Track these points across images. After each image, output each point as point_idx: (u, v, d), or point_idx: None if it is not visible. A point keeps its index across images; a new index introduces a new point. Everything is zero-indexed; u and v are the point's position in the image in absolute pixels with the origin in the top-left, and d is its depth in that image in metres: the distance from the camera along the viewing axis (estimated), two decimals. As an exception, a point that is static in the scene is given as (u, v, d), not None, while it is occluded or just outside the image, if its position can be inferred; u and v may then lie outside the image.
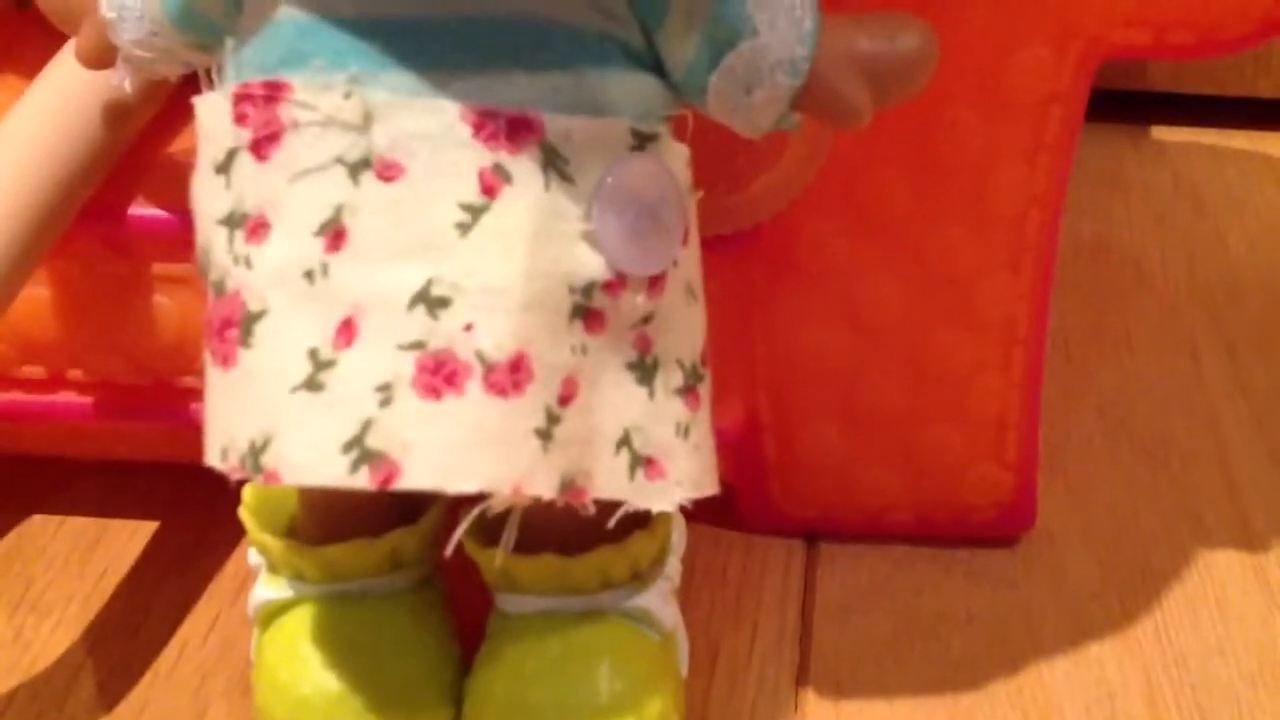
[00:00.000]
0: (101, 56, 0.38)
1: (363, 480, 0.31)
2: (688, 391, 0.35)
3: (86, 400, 0.46)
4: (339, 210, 0.32)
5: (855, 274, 0.44)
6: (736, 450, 0.47)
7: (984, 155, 0.42)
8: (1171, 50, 0.40)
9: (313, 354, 0.31)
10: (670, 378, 0.35)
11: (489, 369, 0.31)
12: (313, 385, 0.31)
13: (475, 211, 0.32)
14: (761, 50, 0.33)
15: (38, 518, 0.51)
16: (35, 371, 0.46)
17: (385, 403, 0.31)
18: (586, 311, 0.33)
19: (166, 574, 0.48)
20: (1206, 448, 0.55)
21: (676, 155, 0.35)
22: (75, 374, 0.46)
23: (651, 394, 0.34)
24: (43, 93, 0.44)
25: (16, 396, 0.47)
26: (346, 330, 0.31)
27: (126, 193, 0.44)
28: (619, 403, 0.34)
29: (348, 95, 0.32)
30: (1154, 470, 0.53)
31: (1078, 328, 0.61)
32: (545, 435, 0.32)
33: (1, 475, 0.52)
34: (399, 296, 0.31)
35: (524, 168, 0.32)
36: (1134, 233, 0.69)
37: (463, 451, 0.31)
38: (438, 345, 0.31)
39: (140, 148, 0.45)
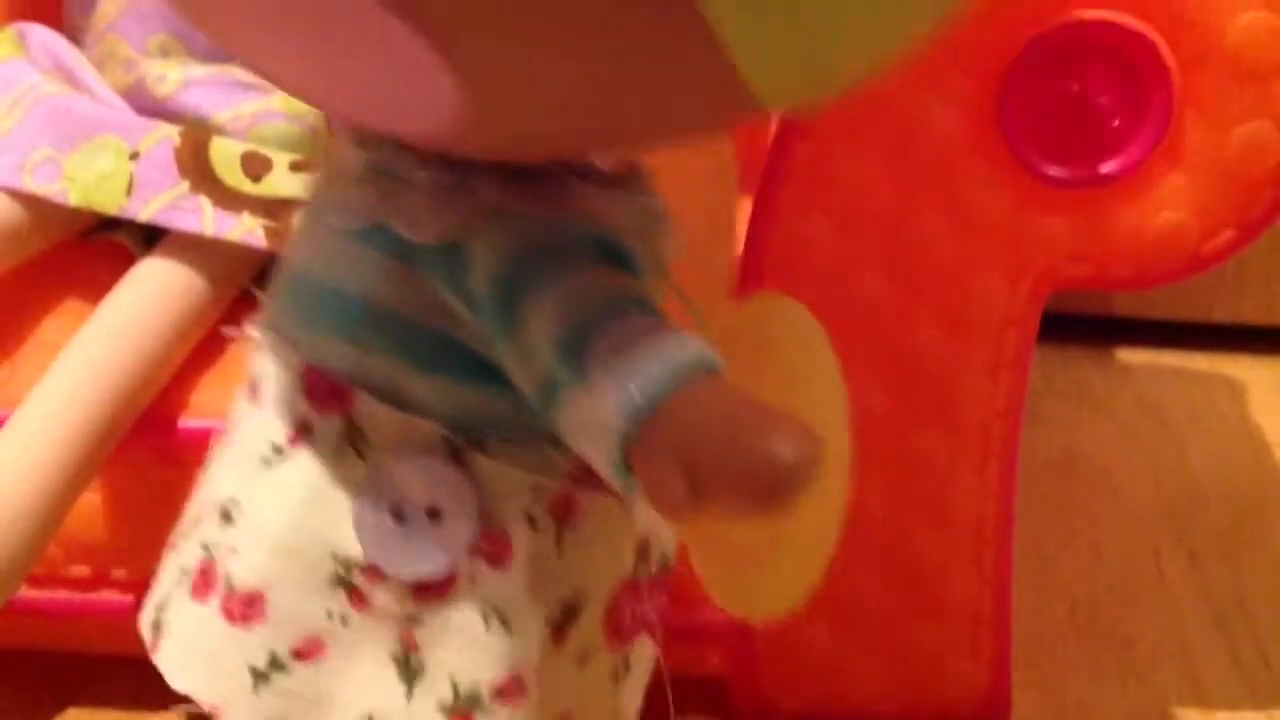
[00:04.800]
0: None
1: (149, 641, 0.36)
2: (454, 714, 0.34)
3: (128, 598, 0.49)
4: None
5: (836, 478, 0.48)
6: (729, 644, 0.50)
7: (951, 369, 0.46)
8: (1111, 283, 0.45)
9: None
10: (436, 690, 0.34)
11: (229, 592, 0.35)
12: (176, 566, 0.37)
13: (279, 453, 0.34)
14: (585, 405, 0.29)
15: (73, 710, 0.53)
16: (81, 571, 0.49)
17: (177, 585, 0.36)
18: (350, 585, 0.34)
19: (193, 764, 0.50)
20: (1171, 647, 0.58)
21: (506, 480, 0.33)
22: (119, 573, 0.49)
23: (410, 695, 0.34)
24: (104, 318, 0.48)
25: (62, 594, 0.50)
26: (195, 523, 0.37)
27: (176, 406, 0.48)
28: (371, 686, 0.34)
29: None
30: (1121, 668, 0.56)
31: (1049, 534, 0.65)
32: (260, 676, 0.34)
33: (40, 670, 0.54)
34: (219, 501, 0.36)
35: (325, 430, 0.34)
36: (1101, 447, 0.73)
37: (187, 653, 0.35)
38: (213, 554, 0.35)
39: (189, 365, 0.49)
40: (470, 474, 0.33)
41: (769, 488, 0.26)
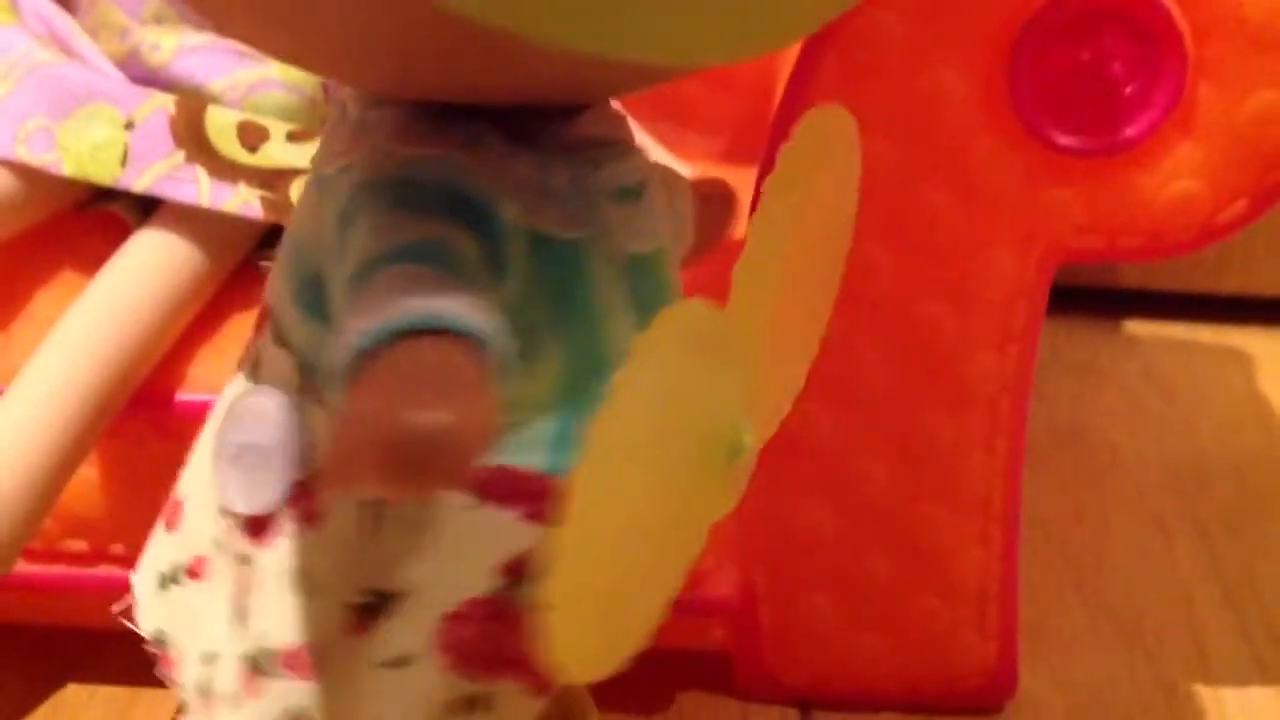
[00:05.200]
0: None
1: None
2: (250, 669, 0.33)
3: (126, 573, 0.48)
4: None
5: (843, 451, 0.48)
6: (733, 619, 0.50)
7: (958, 344, 0.46)
8: (1122, 254, 0.44)
9: None
10: (249, 638, 0.33)
11: (169, 498, 0.37)
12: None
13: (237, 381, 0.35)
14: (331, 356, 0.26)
15: (72, 686, 0.53)
16: (78, 545, 0.49)
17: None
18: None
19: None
20: (1179, 623, 0.57)
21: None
22: (117, 548, 0.49)
23: (231, 638, 0.34)
24: (100, 290, 0.48)
25: (59, 569, 0.50)
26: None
27: (174, 379, 0.48)
28: (215, 622, 0.34)
29: None
30: (1130, 644, 0.56)
31: (1056, 509, 0.64)
32: (163, 581, 0.36)
33: (39, 645, 0.54)
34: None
35: (246, 358, 0.35)
36: (1108, 420, 0.72)
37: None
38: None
39: (187, 338, 0.49)
40: (304, 421, 0.32)
41: (385, 452, 0.22)
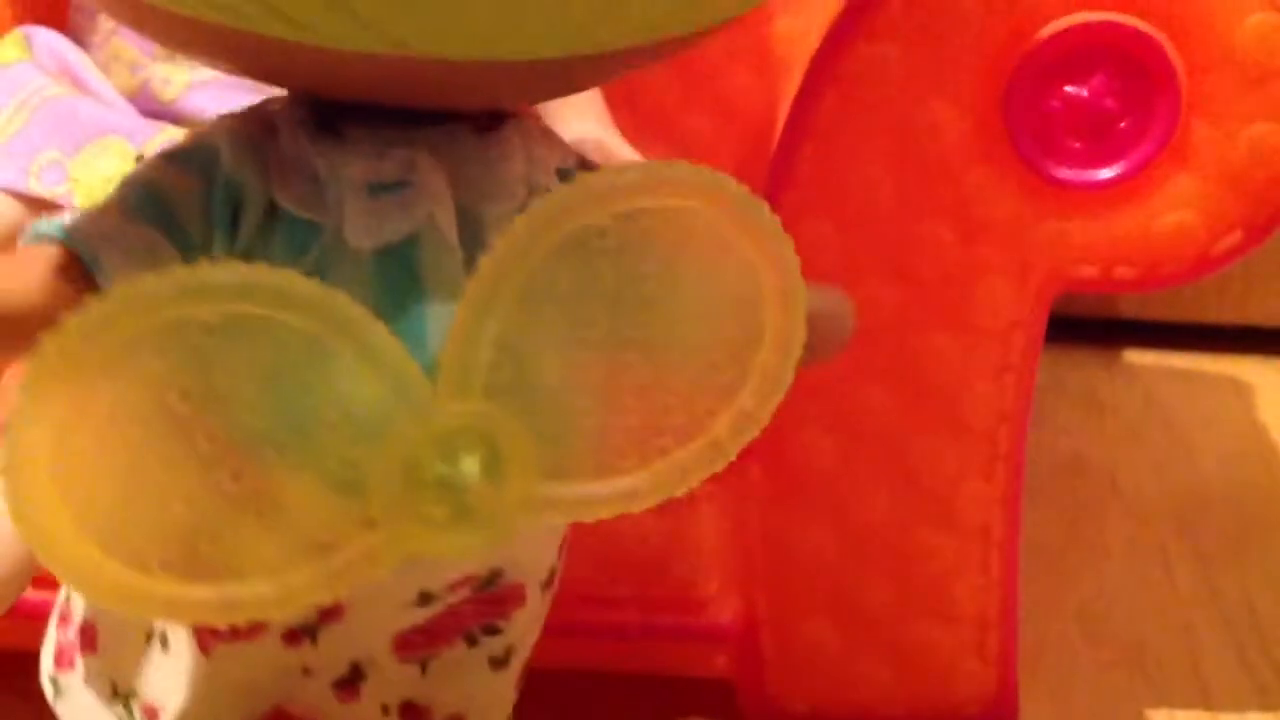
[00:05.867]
0: None
1: None
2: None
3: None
4: None
5: (844, 479, 0.48)
6: (735, 645, 0.50)
7: (957, 374, 0.46)
8: (1117, 285, 0.45)
9: None
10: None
11: None
12: None
13: None
14: None
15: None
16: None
17: None
18: None
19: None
20: (1179, 651, 0.58)
21: None
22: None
23: None
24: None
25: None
26: None
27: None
28: None
29: None
30: (1130, 672, 0.56)
31: (1056, 538, 0.64)
32: None
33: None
34: None
35: None
36: (1108, 450, 0.73)
37: None
38: None
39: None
40: None
41: None
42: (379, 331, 0.29)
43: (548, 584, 0.38)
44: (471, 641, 0.37)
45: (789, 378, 0.32)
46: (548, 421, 0.31)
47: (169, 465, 0.28)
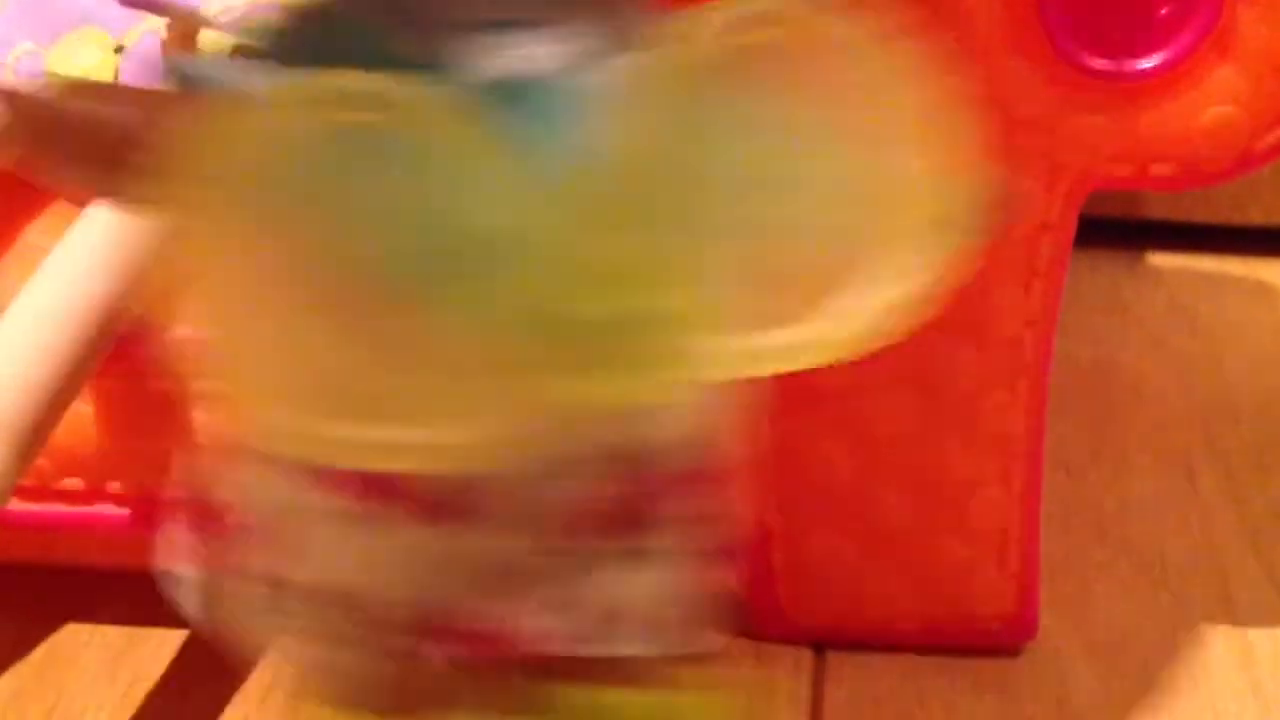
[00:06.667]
0: None
1: None
2: None
3: (124, 511, 0.48)
4: None
5: (862, 390, 0.46)
6: (746, 558, 0.49)
7: (982, 279, 0.44)
8: (1153, 183, 0.43)
9: None
10: None
11: None
12: None
13: None
14: None
15: (70, 627, 0.52)
16: (74, 484, 0.48)
17: None
18: None
19: (195, 682, 0.50)
20: (1204, 564, 0.56)
21: None
22: (114, 486, 0.48)
23: None
24: (91, 222, 0.46)
25: (55, 508, 0.49)
26: None
27: (169, 314, 0.47)
28: None
29: None
30: (1153, 585, 0.55)
31: (1077, 448, 0.63)
32: None
33: (35, 586, 0.53)
34: None
35: None
36: (1132, 356, 0.71)
37: None
38: None
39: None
40: None
41: None
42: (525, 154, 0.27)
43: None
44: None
45: None
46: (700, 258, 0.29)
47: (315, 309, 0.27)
